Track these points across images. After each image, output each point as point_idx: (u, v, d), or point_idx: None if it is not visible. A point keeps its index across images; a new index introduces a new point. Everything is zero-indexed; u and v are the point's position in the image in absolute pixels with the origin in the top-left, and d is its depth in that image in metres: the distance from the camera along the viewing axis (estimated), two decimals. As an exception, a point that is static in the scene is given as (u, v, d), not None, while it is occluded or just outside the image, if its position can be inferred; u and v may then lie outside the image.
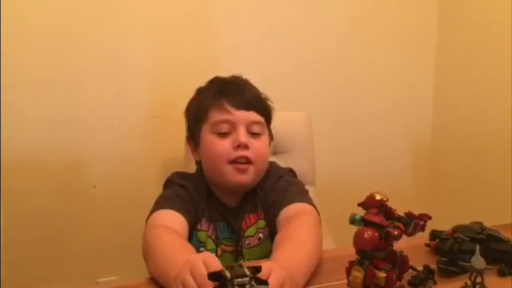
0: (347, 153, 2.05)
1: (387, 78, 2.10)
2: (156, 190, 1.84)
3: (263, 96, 1.15)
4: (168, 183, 1.16)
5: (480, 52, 1.94)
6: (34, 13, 1.58)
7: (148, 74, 1.73)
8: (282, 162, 1.37)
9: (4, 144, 1.57)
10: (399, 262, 0.79)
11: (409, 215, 0.80)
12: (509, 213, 1.45)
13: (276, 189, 1.11)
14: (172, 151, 1.69)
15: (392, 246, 0.78)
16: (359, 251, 0.75)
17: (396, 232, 0.75)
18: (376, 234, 0.74)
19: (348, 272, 0.76)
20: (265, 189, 1.13)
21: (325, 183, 1.70)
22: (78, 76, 1.65)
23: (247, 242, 1.10)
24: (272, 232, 1.09)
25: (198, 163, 1.18)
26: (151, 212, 1.05)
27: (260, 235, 1.11)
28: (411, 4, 2.08)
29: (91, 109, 1.68)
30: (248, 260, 1.09)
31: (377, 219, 0.75)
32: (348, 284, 0.76)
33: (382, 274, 0.75)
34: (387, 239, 0.75)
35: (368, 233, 0.73)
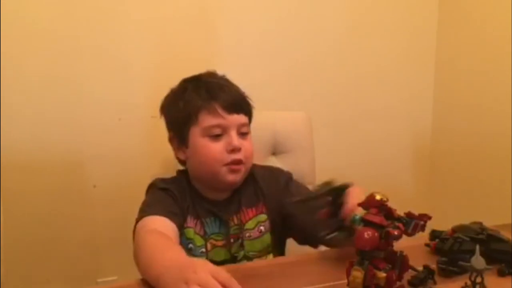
0: (347, 153, 2.05)
1: (387, 78, 2.10)
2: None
3: (245, 95, 1.18)
4: (149, 189, 1.18)
5: (480, 52, 1.94)
6: (34, 13, 1.58)
7: (148, 74, 1.73)
8: (282, 162, 1.37)
9: (4, 144, 1.57)
10: (399, 262, 0.79)
11: (409, 215, 0.80)
12: (509, 213, 1.45)
13: (290, 191, 1.16)
14: (172, 151, 1.69)
15: (392, 246, 0.78)
16: (359, 251, 0.75)
17: (396, 232, 0.75)
18: (376, 234, 0.74)
19: (348, 272, 0.76)
20: (269, 187, 1.17)
21: (325, 183, 1.70)
22: (78, 76, 1.65)
23: (247, 234, 1.12)
24: (273, 225, 1.15)
25: (182, 161, 1.19)
26: (137, 220, 1.05)
27: (262, 228, 1.14)
28: (411, 4, 2.08)
29: (91, 109, 1.68)
30: (249, 252, 1.11)
31: (377, 219, 0.75)
32: (348, 284, 0.77)
33: (382, 274, 0.75)
34: (387, 239, 0.75)
35: (368, 233, 0.73)
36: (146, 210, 1.07)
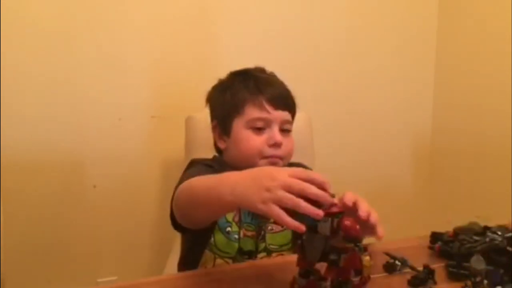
0: (347, 153, 2.05)
1: (387, 78, 2.10)
2: (156, 190, 1.84)
3: (291, 93, 1.20)
4: (191, 166, 1.15)
5: (480, 52, 1.94)
6: (34, 13, 1.58)
7: (148, 74, 1.73)
8: (282, 162, 1.37)
9: (4, 144, 1.57)
10: None
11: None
12: (509, 213, 1.45)
13: None
14: (172, 151, 1.69)
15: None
16: (356, 239, 0.74)
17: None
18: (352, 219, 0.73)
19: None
20: None
21: (325, 183, 1.70)
22: (78, 76, 1.65)
23: (269, 227, 1.12)
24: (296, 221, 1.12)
25: (219, 150, 1.20)
26: (181, 184, 1.00)
27: None
28: (411, 4, 2.08)
29: (91, 109, 1.68)
30: (269, 245, 1.11)
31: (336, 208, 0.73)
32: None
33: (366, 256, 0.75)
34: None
35: (349, 221, 0.73)
36: (192, 175, 1.01)
